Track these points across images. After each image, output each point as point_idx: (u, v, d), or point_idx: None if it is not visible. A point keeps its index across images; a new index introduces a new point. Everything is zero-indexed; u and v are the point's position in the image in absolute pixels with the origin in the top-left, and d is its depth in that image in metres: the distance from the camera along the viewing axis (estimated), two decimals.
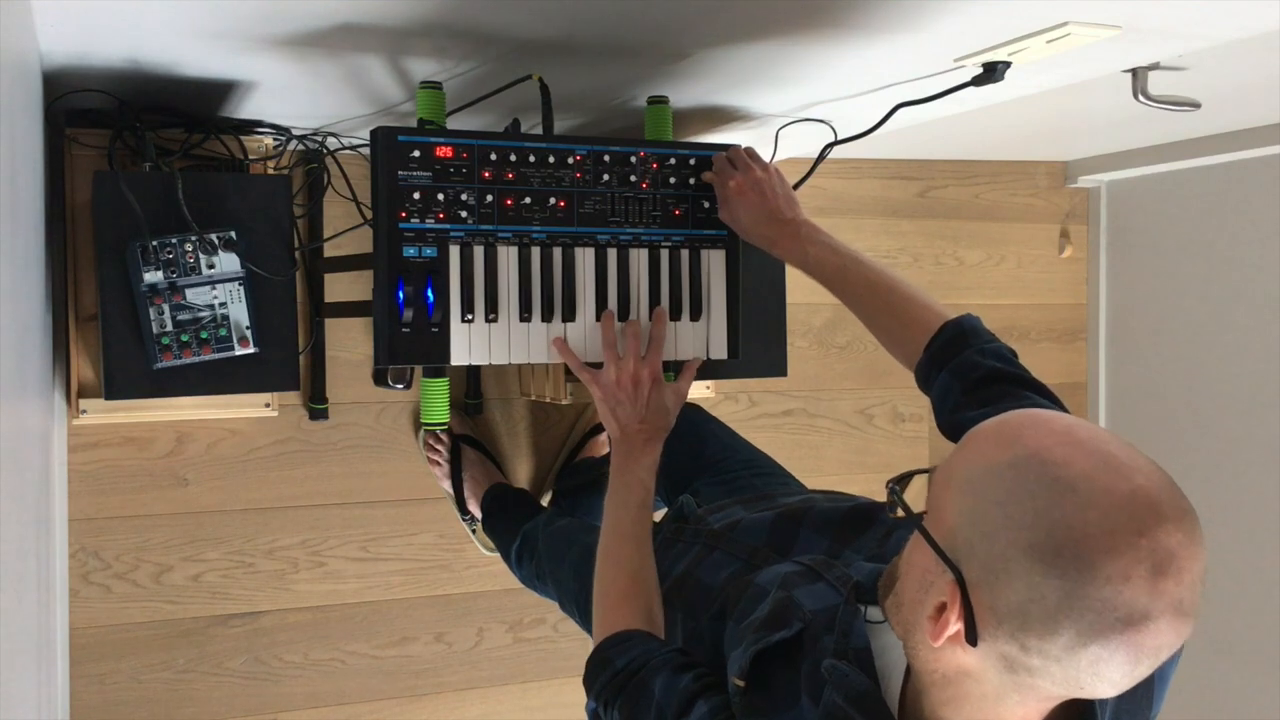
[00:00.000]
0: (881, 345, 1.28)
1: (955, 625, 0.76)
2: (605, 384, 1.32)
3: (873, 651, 0.91)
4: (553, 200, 1.41)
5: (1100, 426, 0.78)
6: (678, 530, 1.33)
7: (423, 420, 1.46)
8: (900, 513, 0.84)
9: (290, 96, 1.61)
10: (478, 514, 2.12)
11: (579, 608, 1.55)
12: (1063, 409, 1.09)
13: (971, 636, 0.76)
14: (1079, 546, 0.70)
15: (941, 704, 0.83)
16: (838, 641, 0.92)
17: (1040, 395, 1.11)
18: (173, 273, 1.50)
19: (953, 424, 1.13)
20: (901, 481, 0.85)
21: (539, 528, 1.81)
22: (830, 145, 1.59)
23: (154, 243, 1.48)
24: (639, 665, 1.06)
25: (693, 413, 1.72)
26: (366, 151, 1.61)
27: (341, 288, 2.02)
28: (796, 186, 1.57)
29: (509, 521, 1.95)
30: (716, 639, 1.11)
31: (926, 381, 1.18)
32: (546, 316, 1.41)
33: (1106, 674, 0.73)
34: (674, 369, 1.54)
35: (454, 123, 1.44)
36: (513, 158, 1.39)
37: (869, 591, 0.97)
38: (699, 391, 2.28)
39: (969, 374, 1.13)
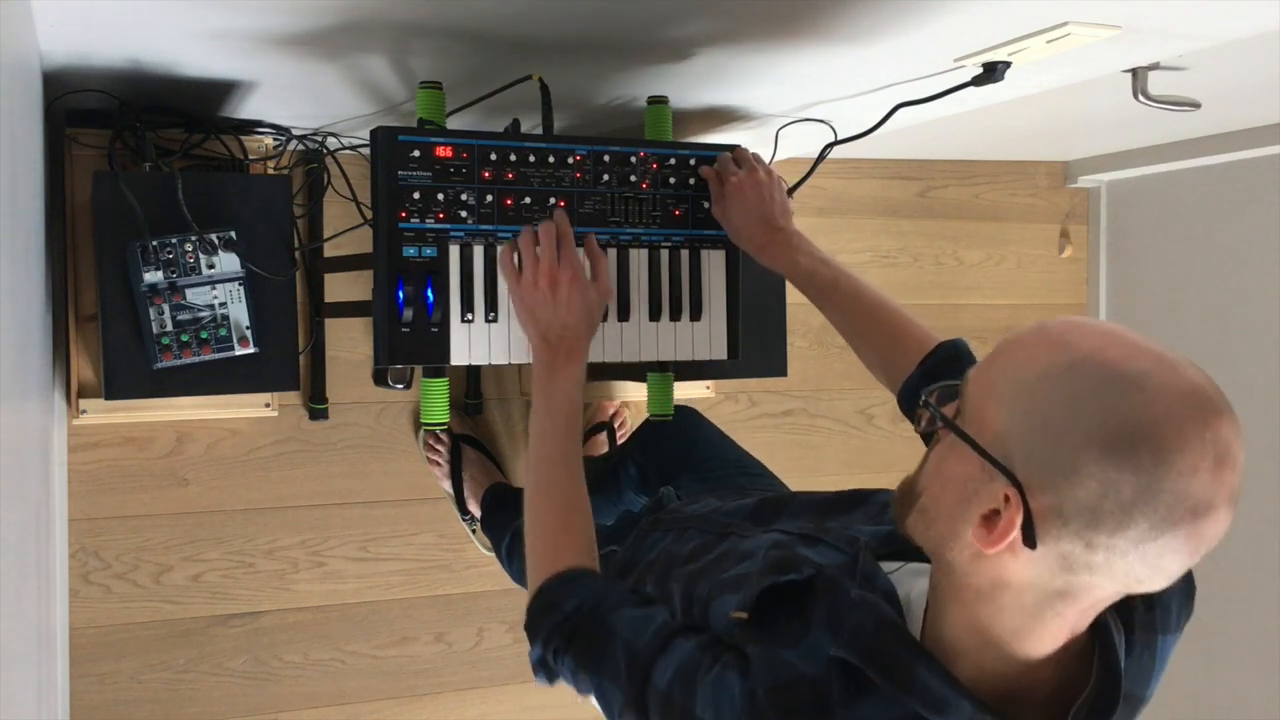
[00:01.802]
0: (863, 360, 1.29)
1: (1015, 530, 0.75)
2: (524, 282, 1.23)
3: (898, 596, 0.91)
4: (553, 200, 1.41)
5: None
6: (654, 521, 1.32)
7: (423, 420, 1.46)
8: (938, 425, 0.83)
9: (290, 96, 1.61)
10: (478, 514, 2.12)
11: None
12: None
13: (1030, 539, 0.75)
14: (1153, 441, 0.71)
15: (969, 624, 0.83)
16: (862, 584, 0.91)
17: None
18: (173, 273, 1.50)
19: None
20: (932, 394, 0.86)
21: None
22: (830, 145, 1.59)
23: (154, 243, 1.48)
24: (592, 606, 1.01)
25: (686, 414, 1.71)
26: (366, 151, 1.60)
27: (341, 288, 2.02)
28: (796, 186, 1.57)
29: (505, 519, 1.94)
30: (687, 597, 1.07)
31: (915, 397, 1.18)
32: None
33: (1167, 566, 0.74)
34: (673, 368, 1.55)
35: (454, 123, 1.44)
36: (513, 158, 1.39)
37: (876, 549, 0.97)
38: (699, 392, 2.27)
39: None
